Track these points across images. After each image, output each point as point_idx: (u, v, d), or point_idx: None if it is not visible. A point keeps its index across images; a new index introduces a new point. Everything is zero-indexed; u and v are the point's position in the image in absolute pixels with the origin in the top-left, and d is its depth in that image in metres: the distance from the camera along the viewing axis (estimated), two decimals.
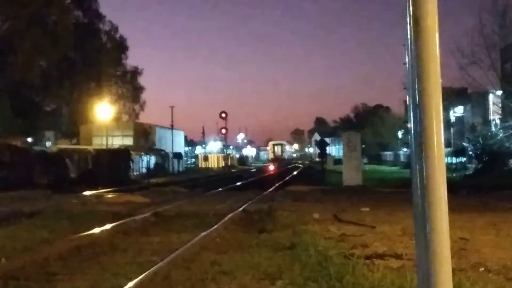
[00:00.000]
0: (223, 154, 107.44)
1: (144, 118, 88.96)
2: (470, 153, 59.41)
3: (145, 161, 64.39)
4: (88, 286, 8.72)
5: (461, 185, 31.18)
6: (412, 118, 2.98)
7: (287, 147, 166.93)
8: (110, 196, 28.77)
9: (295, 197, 25.69)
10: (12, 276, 9.23)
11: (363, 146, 60.76)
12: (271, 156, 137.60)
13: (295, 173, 69.03)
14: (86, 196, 28.56)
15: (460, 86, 56.44)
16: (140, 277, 8.70)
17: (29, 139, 64.61)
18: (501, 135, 49.91)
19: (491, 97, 58.19)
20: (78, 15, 75.64)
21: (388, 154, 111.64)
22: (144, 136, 71.30)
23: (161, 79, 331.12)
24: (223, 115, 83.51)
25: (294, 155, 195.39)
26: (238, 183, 43.94)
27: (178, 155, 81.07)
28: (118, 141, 66.24)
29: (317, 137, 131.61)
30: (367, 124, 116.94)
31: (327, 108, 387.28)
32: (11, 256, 10.89)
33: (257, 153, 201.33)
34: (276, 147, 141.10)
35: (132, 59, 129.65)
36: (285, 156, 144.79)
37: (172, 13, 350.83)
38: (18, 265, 10.05)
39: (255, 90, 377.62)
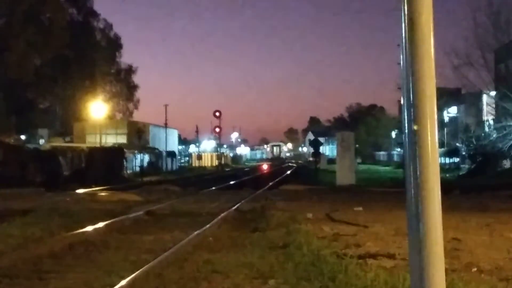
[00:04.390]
0: (217, 153, 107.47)
1: (138, 116, 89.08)
2: (464, 153, 59.61)
3: (139, 160, 64.39)
4: (80, 284, 8.68)
5: (454, 186, 31.24)
6: (406, 118, 2.97)
7: (284, 148, 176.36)
8: (103, 194, 28.72)
9: (289, 197, 25.69)
10: (5, 273, 9.20)
11: (357, 146, 60.80)
12: (270, 155, 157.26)
13: (288, 172, 69.06)
14: (79, 194, 28.51)
15: (454, 87, 56.63)
16: (133, 275, 8.68)
17: (23, 137, 64.54)
18: (494, 135, 50.07)
19: (484, 98, 58.38)
20: (73, 13, 75.53)
21: (382, 154, 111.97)
22: (138, 135, 71.19)
23: (155, 78, 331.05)
24: (217, 114, 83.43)
25: (288, 154, 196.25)
26: (232, 182, 43.92)
27: (171, 154, 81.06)
28: (111, 139, 66.15)
29: (311, 136, 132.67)
30: (361, 124, 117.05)
31: (321, 108, 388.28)
32: (3, 254, 10.85)
33: (251, 152, 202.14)
34: (274, 148, 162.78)
35: (126, 57, 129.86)
36: (283, 155, 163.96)
37: (167, 12, 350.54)
38: (11, 262, 10.02)
39: (249, 89, 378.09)
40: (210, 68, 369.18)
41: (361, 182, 39.09)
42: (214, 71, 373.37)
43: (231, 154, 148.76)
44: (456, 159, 65.57)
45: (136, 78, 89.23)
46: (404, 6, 2.95)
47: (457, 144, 63.09)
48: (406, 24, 2.95)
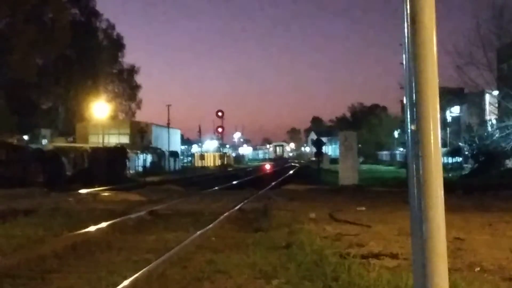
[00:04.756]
0: (219, 153, 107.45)
1: (141, 116, 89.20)
2: (466, 153, 59.43)
3: (141, 160, 64.49)
4: (83, 284, 8.68)
5: (457, 185, 31.19)
6: (408, 118, 2.97)
7: (286, 148, 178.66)
8: (106, 194, 28.72)
9: (291, 196, 25.67)
10: (7, 274, 9.20)
11: (360, 145, 60.72)
12: (273, 155, 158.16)
13: (291, 172, 69.03)
14: (82, 194, 28.49)
15: (456, 86, 56.46)
16: (136, 275, 8.68)
17: (25, 137, 64.52)
18: (497, 135, 49.93)
19: (487, 97, 58.19)
20: (75, 13, 75.59)
21: (385, 154, 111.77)
22: (141, 135, 71.25)
23: (158, 78, 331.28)
24: (220, 113, 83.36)
25: (290, 154, 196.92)
26: (234, 182, 43.92)
27: (174, 154, 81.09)
28: (114, 139, 66.16)
29: (313, 136, 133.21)
30: (363, 124, 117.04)
31: (323, 107, 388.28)
32: (6, 254, 10.86)
33: (254, 152, 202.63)
34: (277, 148, 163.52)
35: (128, 57, 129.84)
36: (286, 155, 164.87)
37: (169, 11, 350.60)
38: (14, 263, 10.02)
39: (252, 89, 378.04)
40: (213, 68, 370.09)
41: (363, 182, 39.04)
42: (217, 71, 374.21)
43: (234, 154, 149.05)
44: (459, 159, 65.41)
45: (139, 78, 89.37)
46: (406, 6, 2.95)
47: (460, 143, 62.83)
48: (409, 24, 2.94)
